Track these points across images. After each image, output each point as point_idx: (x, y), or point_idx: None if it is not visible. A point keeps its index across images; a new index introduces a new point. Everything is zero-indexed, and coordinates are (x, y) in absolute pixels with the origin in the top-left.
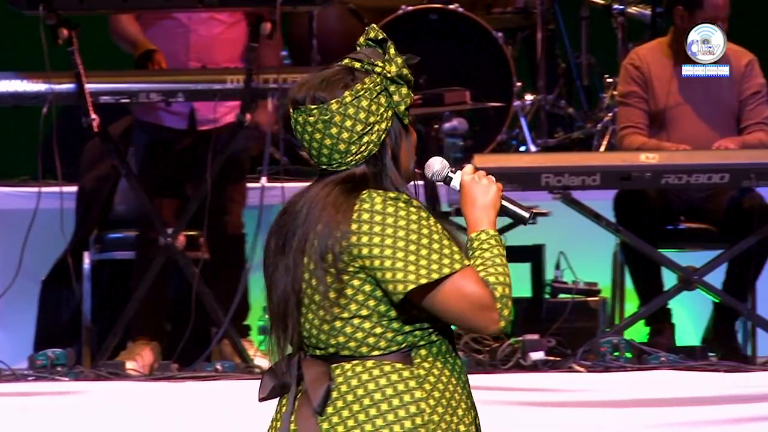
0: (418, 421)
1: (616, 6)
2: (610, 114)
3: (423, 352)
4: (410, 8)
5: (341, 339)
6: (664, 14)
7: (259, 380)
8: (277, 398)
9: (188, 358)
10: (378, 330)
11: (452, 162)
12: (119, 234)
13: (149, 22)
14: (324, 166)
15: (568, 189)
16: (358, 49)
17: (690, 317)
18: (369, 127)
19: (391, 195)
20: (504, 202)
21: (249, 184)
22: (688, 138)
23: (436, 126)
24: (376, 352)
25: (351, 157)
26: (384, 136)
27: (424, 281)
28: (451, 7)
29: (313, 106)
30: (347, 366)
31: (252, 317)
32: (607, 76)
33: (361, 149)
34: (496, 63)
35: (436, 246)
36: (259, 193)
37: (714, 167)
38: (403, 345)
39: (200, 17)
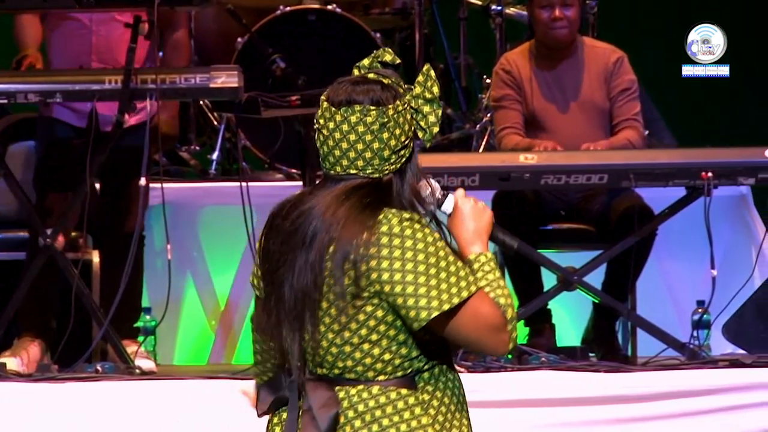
0: None
1: (494, 7)
2: (489, 115)
3: (426, 375)
4: (288, 9)
5: (348, 363)
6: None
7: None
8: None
9: (72, 359)
10: (386, 356)
11: None
12: (1, 235)
13: (53, 24)
14: (340, 171)
15: (448, 189)
16: (361, 71)
17: (570, 318)
18: (408, 141)
19: (406, 216)
20: (494, 230)
21: None
22: (564, 139)
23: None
24: (381, 377)
25: (388, 166)
26: (411, 153)
27: (446, 307)
28: (329, 7)
29: (372, 107)
30: (353, 391)
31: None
32: (485, 77)
33: (398, 160)
34: None
35: (453, 269)
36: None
37: (593, 168)
38: (409, 371)
39: (102, 18)
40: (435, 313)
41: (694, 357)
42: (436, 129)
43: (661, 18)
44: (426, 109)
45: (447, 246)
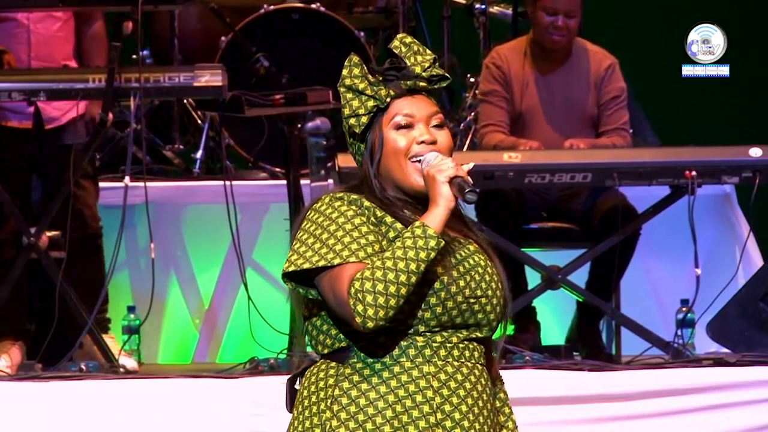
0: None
1: (477, 5)
2: (473, 113)
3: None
4: (272, 7)
5: (309, 339)
6: (525, 14)
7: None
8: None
9: (53, 359)
10: (314, 333)
11: (316, 160)
12: None
13: None
14: None
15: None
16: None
17: (554, 316)
18: (350, 130)
19: (335, 195)
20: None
21: (112, 183)
22: (548, 140)
23: (299, 125)
24: (326, 351)
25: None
26: (360, 141)
27: (291, 268)
28: (313, 6)
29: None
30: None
31: (116, 316)
32: (469, 75)
33: (355, 149)
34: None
35: (329, 241)
36: (123, 192)
37: (577, 167)
38: (333, 347)
39: (38, 15)
40: (288, 268)
41: (679, 356)
42: (351, 120)
43: (661, 18)
44: (348, 96)
45: (355, 221)
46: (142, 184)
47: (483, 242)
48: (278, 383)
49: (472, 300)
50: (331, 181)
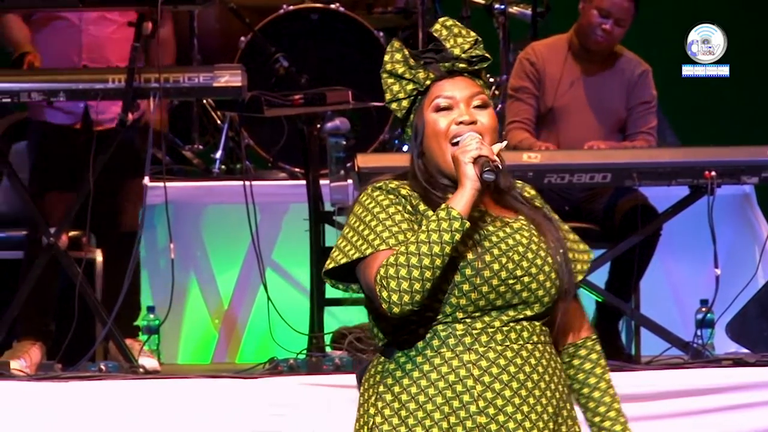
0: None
1: (497, 6)
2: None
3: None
4: (291, 8)
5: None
6: (545, 14)
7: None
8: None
9: (74, 358)
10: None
11: (335, 160)
12: (2, 234)
13: (40, 23)
14: None
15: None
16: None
17: None
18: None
19: (375, 185)
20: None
21: None
22: (574, 139)
23: (319, 126)
24: (379, 344)
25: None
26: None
27: (331, 264)
28: (332, 6)
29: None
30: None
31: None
32: (489, 75)
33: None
34: (378, 63)
35: (364, 231)
36: (143, 192)
37: (596, 167)
38: (383, 340)
39: (91, 17)
40: (328, 265)
41: (698, 356)
42: (393, 105)
43: (661, 18)
44: (389, 81)
45: (390, 209)
46: (161, 184)
47: (535, 217)
48: (297, 383)
49: (511, 281)
50: (350, 181)
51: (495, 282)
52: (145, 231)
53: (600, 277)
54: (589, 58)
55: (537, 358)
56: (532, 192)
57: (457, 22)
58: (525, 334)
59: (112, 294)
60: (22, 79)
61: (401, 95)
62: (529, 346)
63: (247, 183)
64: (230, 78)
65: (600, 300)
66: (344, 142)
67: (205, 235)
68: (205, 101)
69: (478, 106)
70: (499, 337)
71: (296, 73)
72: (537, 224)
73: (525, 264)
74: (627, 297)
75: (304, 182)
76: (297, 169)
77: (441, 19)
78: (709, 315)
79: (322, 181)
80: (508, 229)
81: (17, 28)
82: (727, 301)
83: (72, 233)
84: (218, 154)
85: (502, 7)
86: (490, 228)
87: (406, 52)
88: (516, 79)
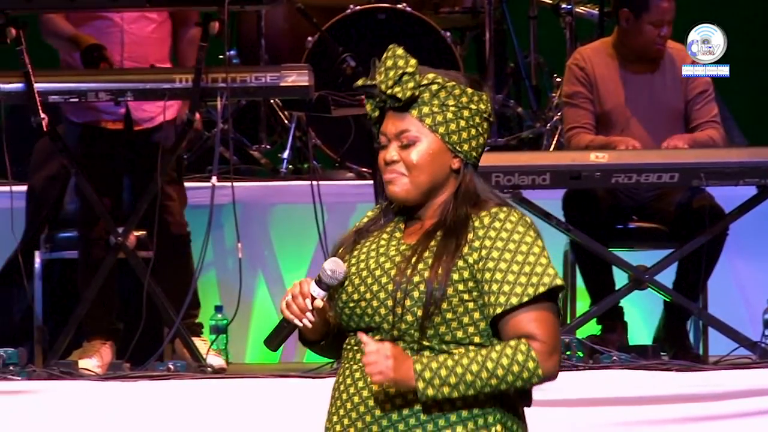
0: None
1: (563, 6)
2: (559, 113)
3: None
4: (358, 7)
5: None
6: (611, 14)
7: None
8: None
9: (141, 358)
10: None
11: None
12: (70, 233)
13: (80, 22)
14: None
15: (518, 188)
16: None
17: (641, 316)
18: None
19: None
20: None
21: (199, 184)
22: (635, 138)
23: None
24: None
25: None
26: None
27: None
28: (399, 6)
29: None
30: None
31: (204, 316)
32: (555, 75)
33: None
34: (445, 63)
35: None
36: (210, 192)
37: (664, 166)
38: None
39: (132, 16)
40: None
41: (766, 356)
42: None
43: None
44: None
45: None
46: (229, 184)
47: (420, 246)
48: None
49: (351, 304)
50: None
51: (340, 304)
52: (213, 231)
53: (667, 277)
54: (638, 59)
55: (364, 380)
56: (492, 229)
57: (398, 50)
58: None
59: (167, 295)
60: (89, 79)
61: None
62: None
63: (315, 183)
64: (298, 78)
65: (668, 300)
66: None
67: (272, 235)
68: (272, 101)
69: (404, 146)
70: (357, 356)
71: (363, 73)
72: (416, 254)
73: (362, 288)
74: (694, 297)
75: (371, 182)
76: (364, 169)
77: (390, 46)
78: None
79: None
80: (373, 254)
81: (65, 25)
82: None
83: (138, 233)
84: (286, 154)
85: (569, 7)
86: (370, 252)
87: (370, 75)
88: (568, 85)
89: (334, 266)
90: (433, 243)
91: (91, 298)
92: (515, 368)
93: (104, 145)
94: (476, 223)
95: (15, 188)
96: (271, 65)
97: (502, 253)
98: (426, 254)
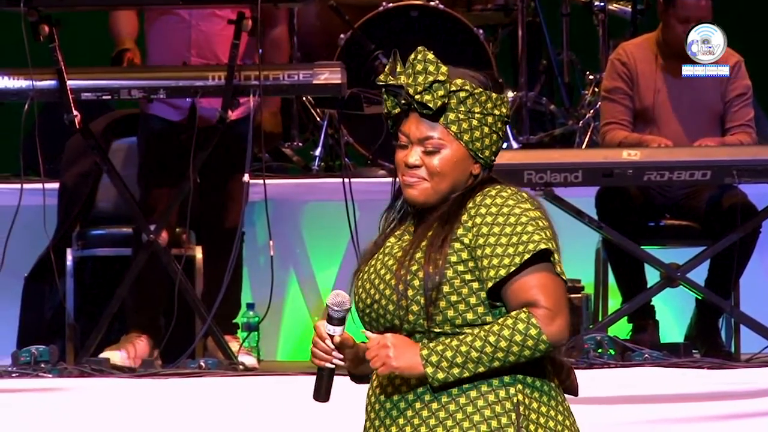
0: None
1: (597, 3)
2: (592, 111)
3: None
4: (391, 5)
5: None
6: (645, 11)
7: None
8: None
9: (174, 354)
10: None
11: None
12: (102, 231)
13: (153, 17)
14: None
15: (551, 186)
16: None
17: (673, 314)
18: None
19: None
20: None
21: None
22: (672, 136)
23: None
24: None
25: None
26: None
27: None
28: (432, 3)
29: None
30: None
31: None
32: (588, 72)
33: None
34: (477, 60)
35: None
36: (243, 189)
37: (696, 164)
38: None
39: (202, 13)
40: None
41: None
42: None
43: None
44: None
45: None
46: (261, 181)
47: (417, 239)
48: None
49: (367, 310)
50: None
51: (359, 314)
52: (245, 228)
53: (700, 274)
54: (674, 55)
55: (379, 379)
56: (484, 206)
57: (429, 55)
58: None
59: (214, 291)
60: (122, 76)
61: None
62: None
63: (347, 180)
64: (330, 75)
65: (700, 297)
66: None
67: (304, 232)
68: (304, 98)
69: (428, 152)
70: None
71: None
72: (414, 244)
73: (372, 291)
74: (727, 294)
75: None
76: (394, 167)
77: (418, 48)
78: None
79: None
80: (380, 256)
81: (125, 23)
82: None
83: (176, 230)
84: (318, 151)
85: (602, 4)
86: (378, 256)
87: (390, 69)
88: (609, 80)
89: (336, 299)
90: (430, 232)
91: (123, 293)
92: (518, 338)
93: (168, 139)
94: (469, 204)
95: (47, 185)
96: (304, 63)
97: (491, 228)
98: (423, 243)
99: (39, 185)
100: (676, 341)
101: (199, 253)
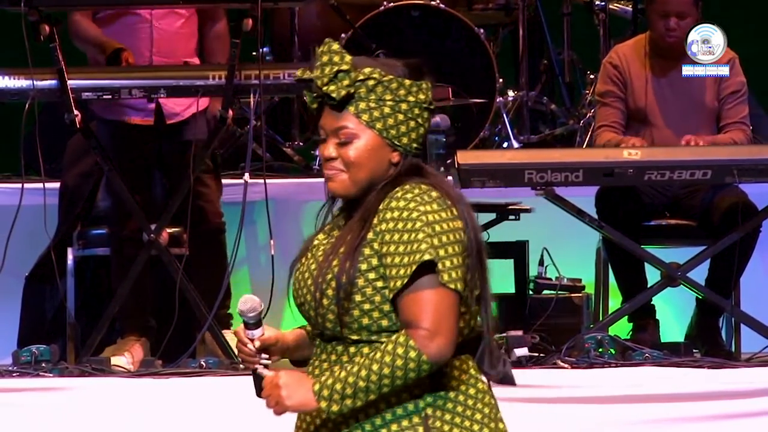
0: None
1: (598, 3)
2: (593, 110)
3: None
4: (392, 4)
5: None
6: (645, 11)
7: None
8: None
9: (172, 354)
10: None
11: (435, 157)
12: (102, 230)
13: (108, 19)
14: None
15: (551, 185)
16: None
17: (674, 313)
18: None
19: None
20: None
21: (232, 180)
22: (669, 135)
23: None
24: None
25: None
26: None
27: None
28: (433, 3)
29: None
30: None
31: (236, 312)
32: (589, 72)
33: None
34: (479, 59)
35: None
36: (242, 189)
37: (697, 163)
38: None
39: (161, 12)
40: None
41: None
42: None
43: None
44: None
45: None
46: (261, 181)
47: (339, 238)
48: None
49: (300, 309)
50: (450, 178)
51: (296, 304)
52: (246, 227)
53: (700, 274)
54: (671, 56)
55: (315, 376)
56: (390, 210)
57: (333, 45)
58: (323, 356)
59: (201, 288)
60: (122, 76)
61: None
62: (316, 363)
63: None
64: None
65: (700, 297)
66: (444, 139)
67: (305, 232)
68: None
69: (342, 143)
70: (317, 352)
71: None
72: (333, 250)
73: (302, 292)
74: (727, 294)
75: None
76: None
77: (325, 41)
78: None
79: None
80: (309, 255)
81: (92, 28)
82: None
83: (171, 230)
84: (318, 151)
85: (603, 4)
86: (309, 255)
87: (310, 65)
88: (601, 84)
89: (246, 306)
90: (349, 236)
91: (123, 295)
92: (399, 362)
93: (134, 141)
94: (381, 206)
95: (48, 185)
96: (305, 62)
97: (393, 235)
98: (342, 249)
99: (40, 185)
100: (677, 341)
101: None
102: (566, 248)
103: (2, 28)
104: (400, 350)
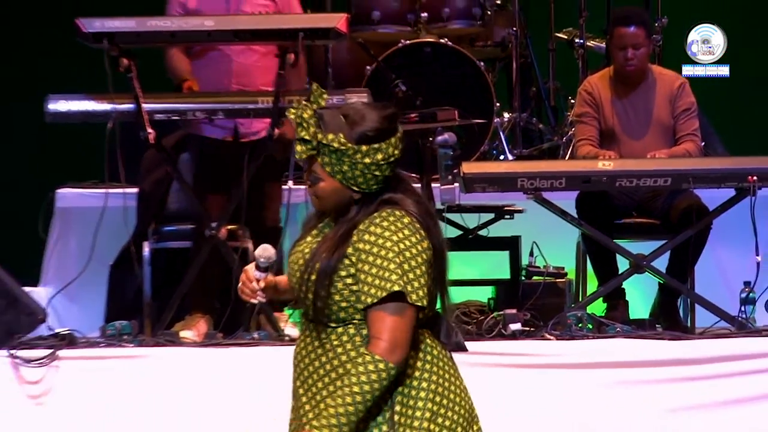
0: None
1: (577, 41)
2: (573, 129)
3: None
4: (408, 42)
5: None
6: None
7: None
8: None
9: (233, 329)
10: None
11: (444, 168)
12: (173, 227)
13: (198, 54)
14: None
15: (540, 190)
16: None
17: (640, 295)
18: None
19: None
20: None
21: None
22: (636, 151)
23: (431, 139)
24: None
25: None
26: None
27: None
28: (442, 41)
29: None
30: None
31: None
32: (570, 98)
33: None
34: (480, 87)
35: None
36: (287, 193)
37: (659, 172)
38: None
39: (240, 48)
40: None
41: (742, 327)
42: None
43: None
44: None
45: None
46: (302, 187)
47: (325, 240)
48: None
49: (295, 287)
50: (457, 184)
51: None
52: (290, 226)
53: (662, 263)
54: (630, 82)
55: (302, 356)
56: (368, 233)
57: (305, 112)
58: (313, 334)
59: None
60: (188, 101)
61: None
62: (314, 344)
63: None
64: (358, 99)
65: (662, 282)
66: (452, 153)
67: None
68: None
69: (312, 180)
70: (304, 332)
71: (412, 96)
72: (318, 252)
73: (293, 280)
74: (684, 279)
75: (418, 185)
76: (413, 175)
77: (301, 105)
78: (751, 294)
79: (433, 185)
80: (302, 247)
81: (179, 60)
82: (767, 283)
83: (230, 227)
84: None
85: (581, 41)
86: (304, 247)
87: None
88: (578, 107)
89: (264, 253)
90: (333, 242)
91: (190, 280)
92: (373, 376)
93: (217, 153)
94: (361, 227)
95: (128, 190)
96: (337, 89)
97: (368, 256)
98: (324, 255)
99: (121, 190)
100: (643, 317)
101: (251, 245)
102: (552, 242)
103: (88, 61)
104: (370, 366)
